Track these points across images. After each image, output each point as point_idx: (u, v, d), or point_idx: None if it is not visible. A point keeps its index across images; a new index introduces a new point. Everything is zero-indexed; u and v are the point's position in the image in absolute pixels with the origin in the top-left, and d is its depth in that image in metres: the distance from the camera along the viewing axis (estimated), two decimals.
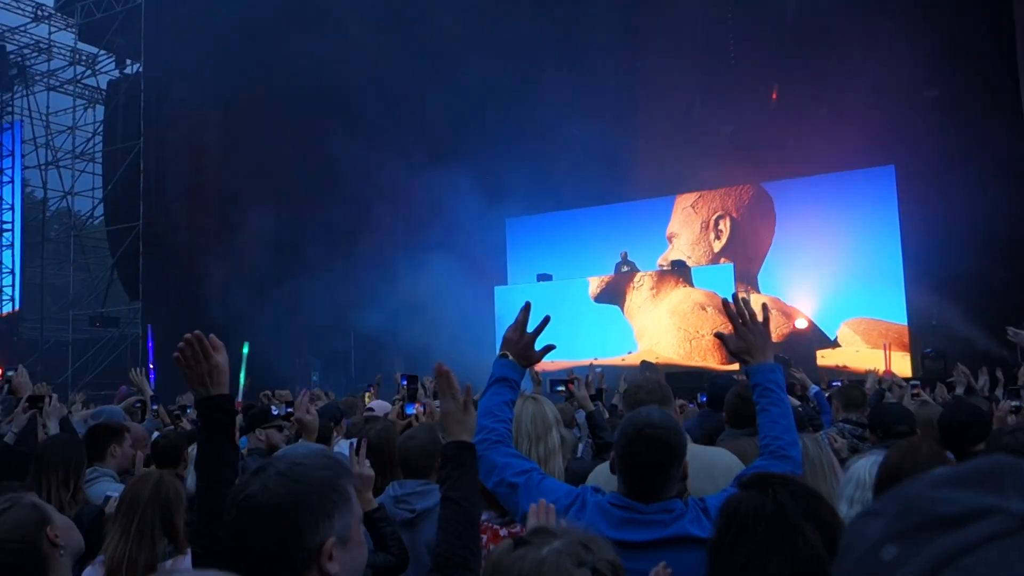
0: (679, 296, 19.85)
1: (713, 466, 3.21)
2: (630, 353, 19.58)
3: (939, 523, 0.54)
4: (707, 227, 20.41)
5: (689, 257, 20.31)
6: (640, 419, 2.50)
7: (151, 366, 10.22)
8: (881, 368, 12.00)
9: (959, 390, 7.59)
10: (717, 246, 20.28)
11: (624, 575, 1.56)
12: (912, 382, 6.80)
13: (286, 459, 1.67)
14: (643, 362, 18.00)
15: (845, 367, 11.61)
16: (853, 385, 7.05)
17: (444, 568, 2.14)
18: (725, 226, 20.22)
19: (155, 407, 7.03)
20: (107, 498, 3.81)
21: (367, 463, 3.23)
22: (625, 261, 20.56)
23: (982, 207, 14.81)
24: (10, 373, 5.22)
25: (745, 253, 19.58)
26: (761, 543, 1.77)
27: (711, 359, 18.93)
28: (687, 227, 20.65)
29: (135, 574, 2.93)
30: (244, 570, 1.52)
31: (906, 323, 17.24)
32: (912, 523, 0.55)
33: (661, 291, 19.99)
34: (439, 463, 2.43)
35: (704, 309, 19.57)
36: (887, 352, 9.71)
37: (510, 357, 2.90)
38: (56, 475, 3.74)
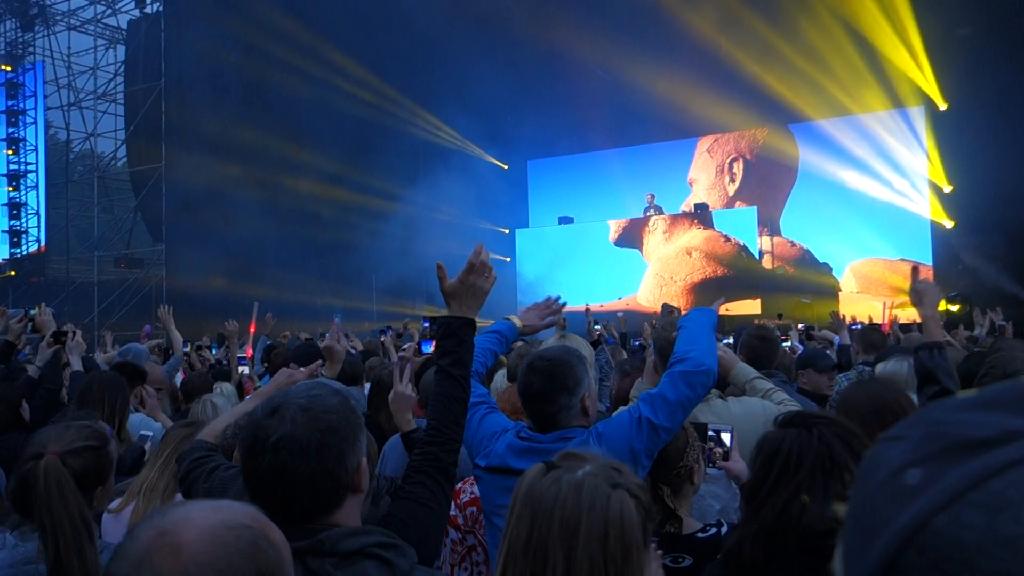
0: (683, 240, 19.76)
1: (754, 414, 3.23)
2: (619, 299, 19.63)
3: (965, 446, 0.52)
4: (722, 171, 20.22)
5: (706, 201, 20.16)
6: (535, 353, 2.62)
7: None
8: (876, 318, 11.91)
9: (978, 331, 7.54)
10: (732, 189, 20.12)
11: (648, 494, 1.57)
12: None
13: (298, 395, 1.69)
14: (664, 305, 17.95)
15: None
16: (873, 328, 7.02)
17: (438, 443, 2.19)
18: (739, 169, 20.02)
19: (186, 348, 7.12)
20: (142, 436, 3.89)
21: (409, 385, 3.28)
22: (652, 204, 20.40)
23: (1015, 147, 14.53)
24: (32, 312, 5.25)
25: (762, 195, 19.37)
26: (806, 480, 1.79)
27: (677, 304, 18.80)
28: (704, 171, 20.48)
29: (153, 495, 3.02)
30: (292, 505, 1.60)
31: (931, 265, 17.09)
32: (937, 447, 0.53)
33: (674, 235, 19.88)
34: (438, 332, 2.39)
35: (689, 255, 19.55)
36: (886, 309, 9.62)
37: (514, 321, 3.11)
38: (101, 409, 3.80)
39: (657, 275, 19.77)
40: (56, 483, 2.22)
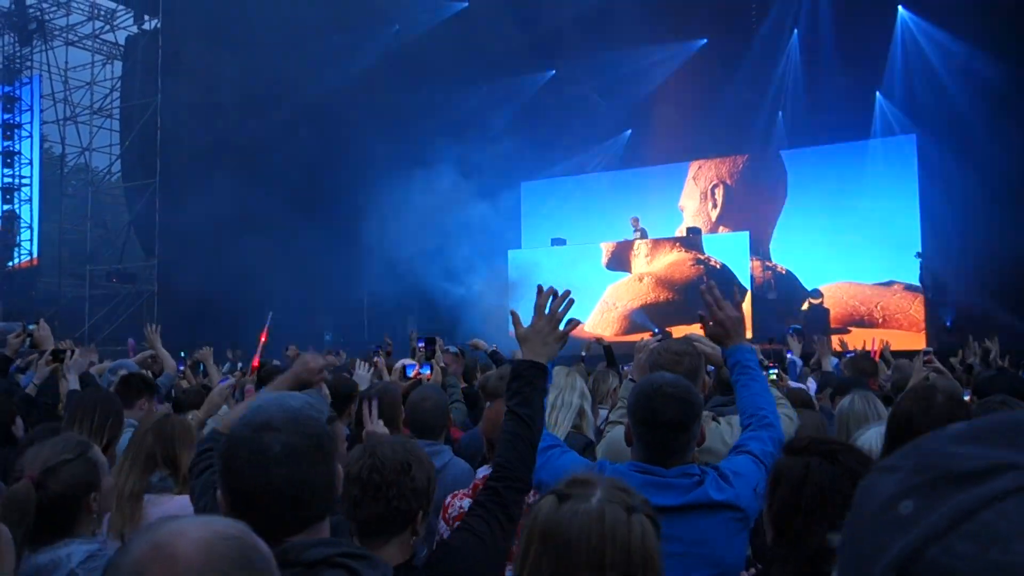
0: (656, 264, 19.84)
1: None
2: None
3: (957, 478, 0.54)
4: (705, 197, 20.32)
5: (698, 226, 20.21)
6: (657, 379, 2.52)
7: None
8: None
9: (973, 360, 7.56)
10: (714, 215, 20.20)
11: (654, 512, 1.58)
12: (925, 349, 6.79)
13: (279, 410, 1.74)
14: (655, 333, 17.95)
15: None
16: (864, 355, 7.05)
17: (503, 479, 2.26)
18: (720, 195, 20.12)
19: (182, 368, 7.08)
20: None
21: (380, 422, 3.27)
22: (637, 227, 20.41)
23: (1006, 179, 14.64)
24: (31, 327, 5.21)
25: (743, 221, 19.42)
26: (842, 515, 1.78)
27: (609, 331, 18.68)
28: (691, 197, 20.55)
29: (121, 501, 2.99)
30: (297, 515, 1.66)
31: (922, 294, 17.11)
32: (929, 478, 0.55)
33: (655, 258, 19.94)
34: (508, 378, 2.48)
35: (640, 280, 19.66)
36: (875, 342, 9.79)
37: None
38: (90, 426, 3.76)
39: (604, 301, 19.83)
40: (12, 510, 2.24)
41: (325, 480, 1.69)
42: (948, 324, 15.47)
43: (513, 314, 2.55)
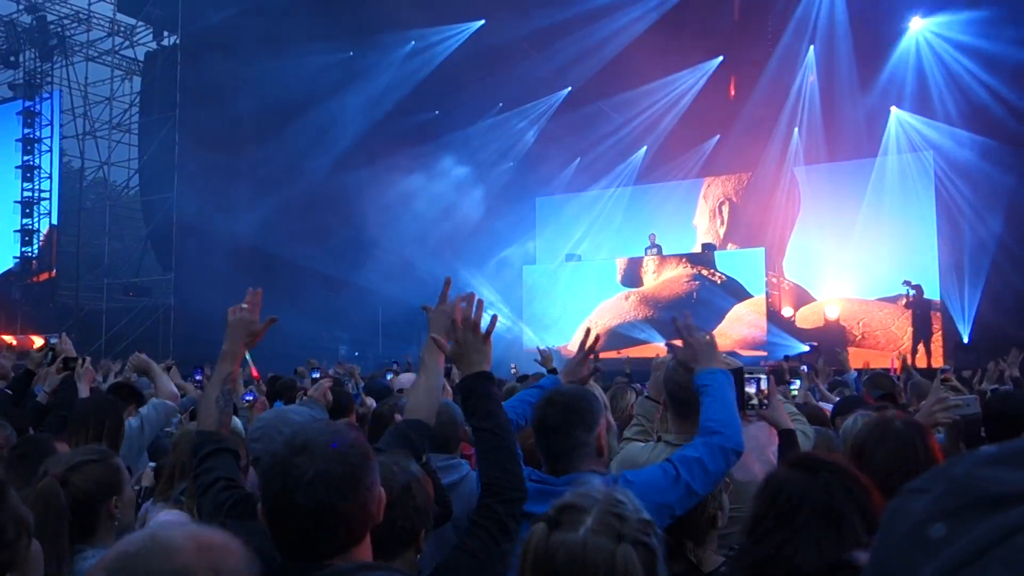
0: (660, 281, 19.82)
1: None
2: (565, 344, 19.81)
3: (989, 502, 0.53)
4: (713, 214, 20.31)
5: (712, 242, 20.19)
6: (552, 390, 2.67)
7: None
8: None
9: (985, 384, 7.48)
10: (722, 232, 20.19)
11: (655, 529, 1.56)
12: (943, 368, 6.74)
13: (321, 432, 1.74)
14: (668, 343, 17.87)
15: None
16: (882, 373, 7.01)
17: (492, 495, 2.24)
18: (726, 212, 20.11)
19: (199, 376, 7.12)
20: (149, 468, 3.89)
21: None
22: (653, 244, 20.38)
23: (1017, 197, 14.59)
24: (53, 341, 5.24)
25: (750, 238, 19.40)
26: (803, 526, 1.78)
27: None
28: (702, 215, 20.56)
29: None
30: (325, 542, 1.66)
31: (940, 311, 16.97)
32: (961, 501, 0.55)
33: (662, 274, 19.90)
34: (462, 399, 2.47)
35: (626, 299, 19.66)
36: (894, 359, 9.64)
37: (560, 377, 3.05)
38: (88, 430, 3.79)
39: (590, 320, 19.81)
40: (45, 506, 2.24)
41: (357, 507, 1.68)
42: (965, 341, 15.36)
43: (438, 341, 2.54)
